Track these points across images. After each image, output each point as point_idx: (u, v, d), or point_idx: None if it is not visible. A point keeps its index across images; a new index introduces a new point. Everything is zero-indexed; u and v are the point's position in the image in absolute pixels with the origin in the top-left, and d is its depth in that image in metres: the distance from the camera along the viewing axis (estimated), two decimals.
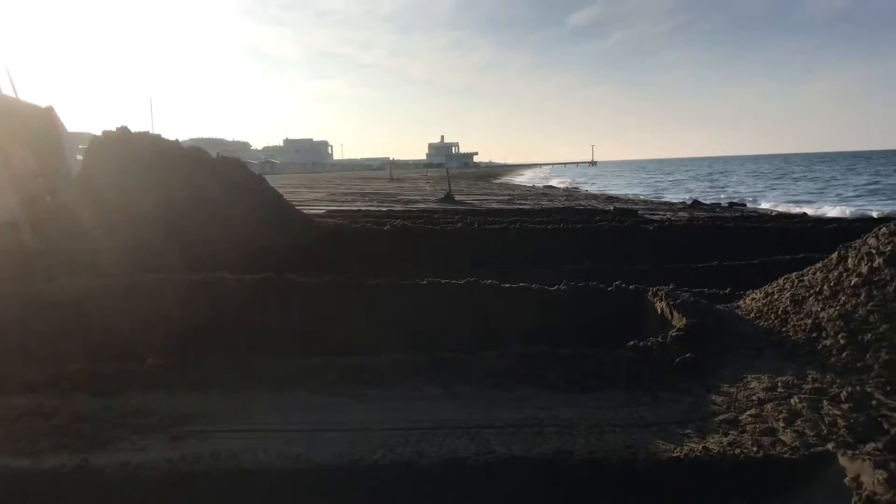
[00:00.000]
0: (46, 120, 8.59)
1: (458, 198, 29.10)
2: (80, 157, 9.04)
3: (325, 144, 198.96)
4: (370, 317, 4.87)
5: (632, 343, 4.53)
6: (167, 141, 8.87)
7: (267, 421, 3.61)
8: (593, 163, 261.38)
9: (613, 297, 5.35)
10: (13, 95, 8.56)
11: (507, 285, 5.32)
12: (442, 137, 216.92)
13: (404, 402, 3.90)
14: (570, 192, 44.71)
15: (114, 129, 8.65)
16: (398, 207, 23.28)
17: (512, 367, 4.21)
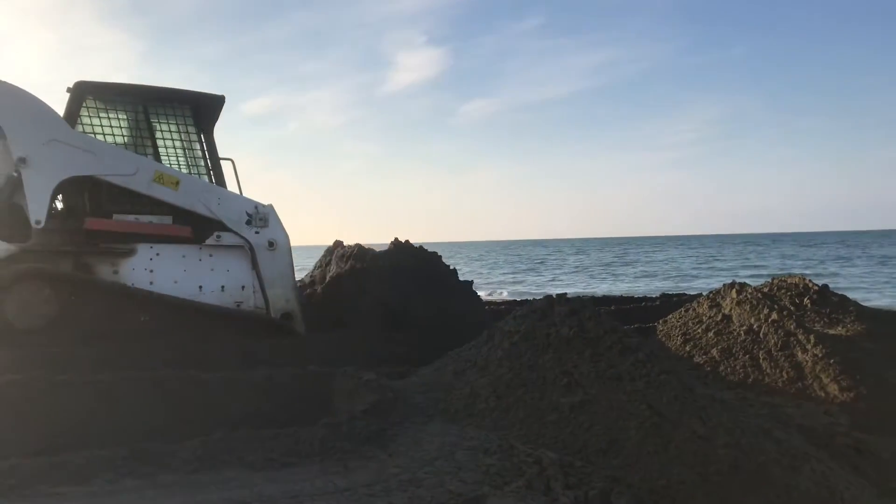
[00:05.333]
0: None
1: None
2: None
3: None
4: (65, 414, 4.70)
5: (324, 420, 5.03)
6: (410, 247, 10.65)
7: None
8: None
9: (308, 380, 5.83)
10: (237, 190, 9.22)
11: (206, 375, 5.50)
12: None
13: (103, 497, 3.90)
14: None
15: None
16: None
17: (215, 452, 4.42)
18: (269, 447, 4.55)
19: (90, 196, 8.40)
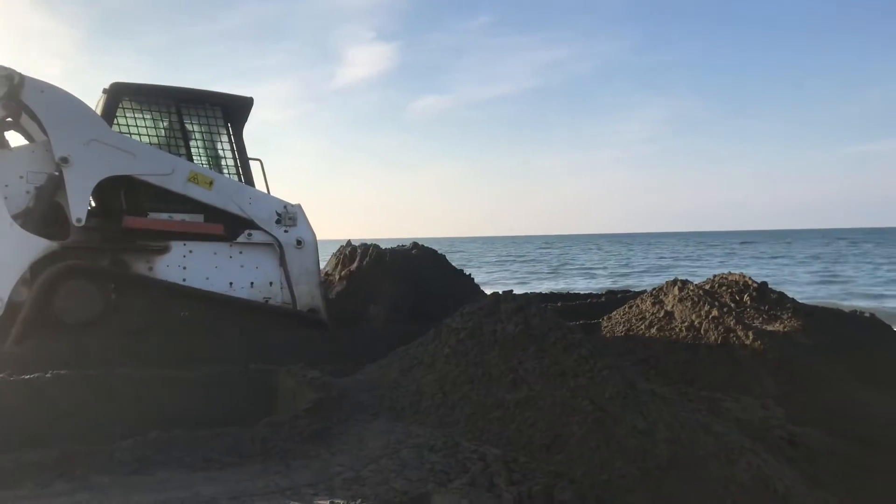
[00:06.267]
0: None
1: None
2: None
3: None
4: None
5: (266, 419, 4.95)
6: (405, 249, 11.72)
7: None
8: None
9: (249, 378, 5.74)
10: (266, 190, 9.60)
11: (141, 373, 5.36)
12: None
13: (32, 501, 3.76)
14: None
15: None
16: None
17: (150, 453, 4.31)
18: (209, 447, 4.46)
19: (126, 195, 8.73)
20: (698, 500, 4.20)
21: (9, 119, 8.53)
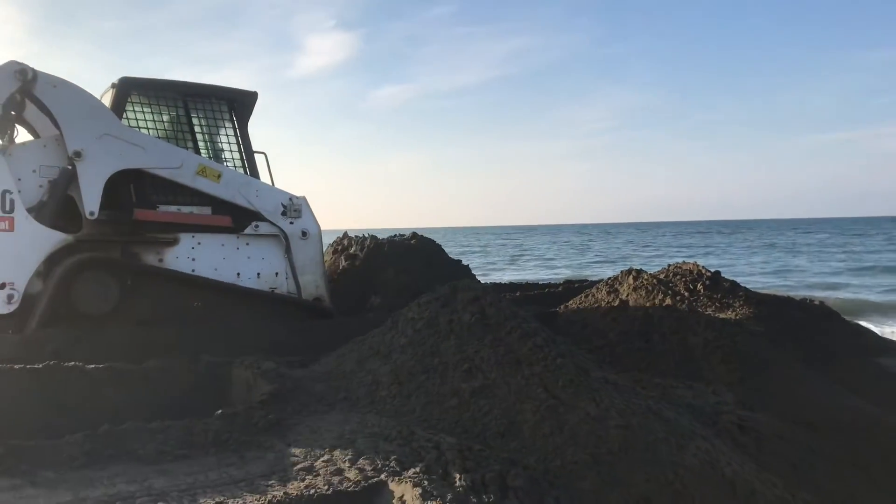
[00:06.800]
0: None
1: None
2: None
3: None
4: None
5: (220, 411, 4.90)
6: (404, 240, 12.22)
7: None
8: None
9: (203, 370, 5.67)
10: (270, 182, 9.67)
11: (91, 366, 5.26)
12: None
13: None
14: None
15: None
16: None
17: (101, 446, 4.23)
18: (161, 440, 4.40)
19: (135, 188, 8.80)
20: (648, 485, 4.28)
21: (12, 112, 8.54)
